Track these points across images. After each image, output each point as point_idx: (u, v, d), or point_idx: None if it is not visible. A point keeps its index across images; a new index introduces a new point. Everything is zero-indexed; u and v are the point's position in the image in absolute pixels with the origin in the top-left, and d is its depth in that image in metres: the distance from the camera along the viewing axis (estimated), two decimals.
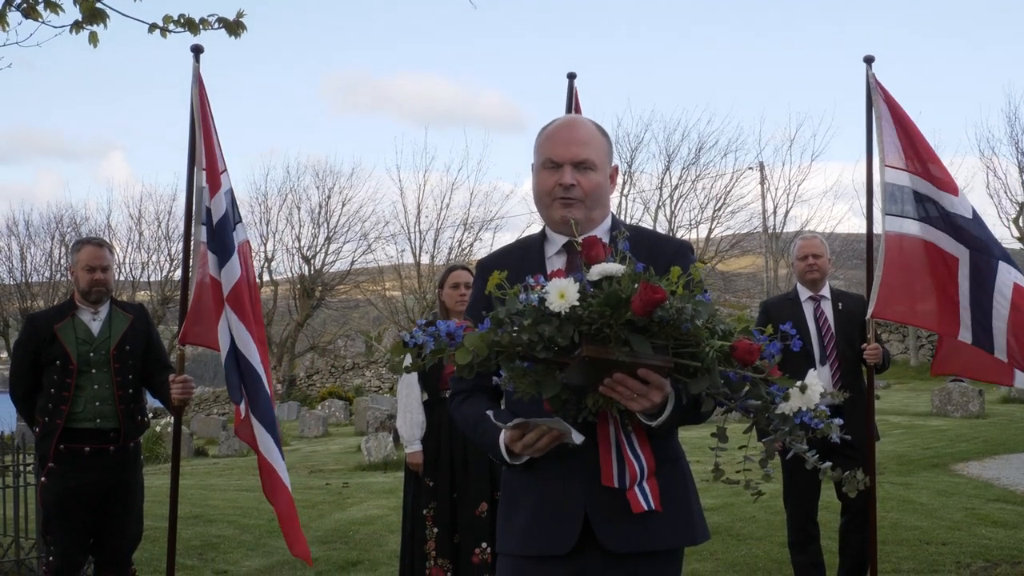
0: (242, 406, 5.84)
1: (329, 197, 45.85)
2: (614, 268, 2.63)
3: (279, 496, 5.91)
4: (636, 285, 2.56)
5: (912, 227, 6.35)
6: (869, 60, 6.62)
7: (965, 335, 6.19)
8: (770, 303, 7.50)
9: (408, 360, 2.78)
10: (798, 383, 2.68)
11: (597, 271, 2.63)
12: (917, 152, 6.44)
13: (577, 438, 2.79)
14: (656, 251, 3.09)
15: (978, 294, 6.17)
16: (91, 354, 5.95)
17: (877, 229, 6.54)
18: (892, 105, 6.53)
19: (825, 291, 7.06)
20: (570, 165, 3.11)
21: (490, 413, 3.03)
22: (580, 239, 2.87)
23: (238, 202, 6.19)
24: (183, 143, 6.07)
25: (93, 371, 5.94)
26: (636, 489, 2.91)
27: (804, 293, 7.07)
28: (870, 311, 6.38)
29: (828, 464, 2.73)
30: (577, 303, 2.55)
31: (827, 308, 6.99)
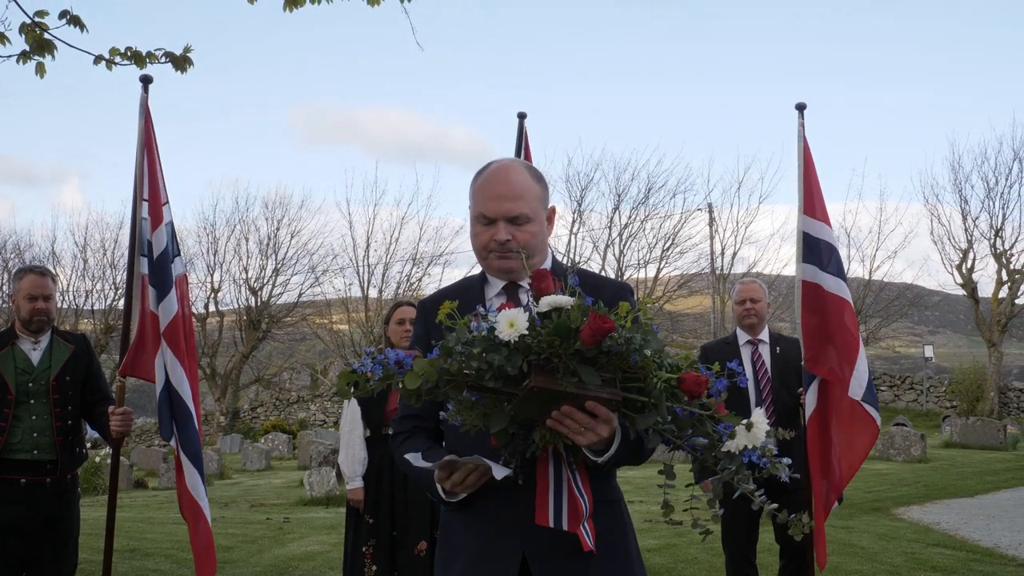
0: (172, 442, 5.83)
1: (278, 229, 45.73)
2: (564, 300, 2.62)
3: (200, 530, 5.87)
4: (584, 317, 2.57)
5: (825, 278, 6.42)
6: (801, 108, 6.66)
7: (856, 391, 6.27)
8: (708, 347, 7.54)
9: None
10: (744, 421, 2.69)
11: (547, 302, 2.63)
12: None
13: (499, 472, 2.78)
14: (597, 292, 3.08)
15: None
16: (30, 384, 5.87)
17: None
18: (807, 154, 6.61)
19: (764, 335, 7.11)
20: (504, 220, 3.09)
21: (414, 456, 3.02)
22: (529, 274, 2.87)
23: (186, 232, 6.19)
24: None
25: (32, 401, 5.85)
26: (581, 528, 2.90)
27: (743, 337, 7.13)
28: (804, 357, 6.43)
29: (775, 505, 2.74)
30: (526, 332, 2.56)
31: (765, 352, 7.05)
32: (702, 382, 2.66)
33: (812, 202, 6.52)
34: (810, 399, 6.35)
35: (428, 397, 2.69)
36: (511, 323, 2.56)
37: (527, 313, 2.59)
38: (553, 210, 3.29)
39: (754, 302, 7.10)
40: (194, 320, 6.13)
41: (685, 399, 2.68)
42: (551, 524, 2.90)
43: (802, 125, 6.60)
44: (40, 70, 6.93)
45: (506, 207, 3.09)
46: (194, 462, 5.83)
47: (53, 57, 6.92)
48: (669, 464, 2.83)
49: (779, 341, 7.14)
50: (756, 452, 2.68)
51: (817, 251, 6.44)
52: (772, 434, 2.76)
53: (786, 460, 2.73)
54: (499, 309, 2.64)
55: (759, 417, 2.71)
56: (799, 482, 6.46)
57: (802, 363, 6.48)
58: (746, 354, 7.04)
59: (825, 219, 6.52)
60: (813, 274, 6.43)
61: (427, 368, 2.62)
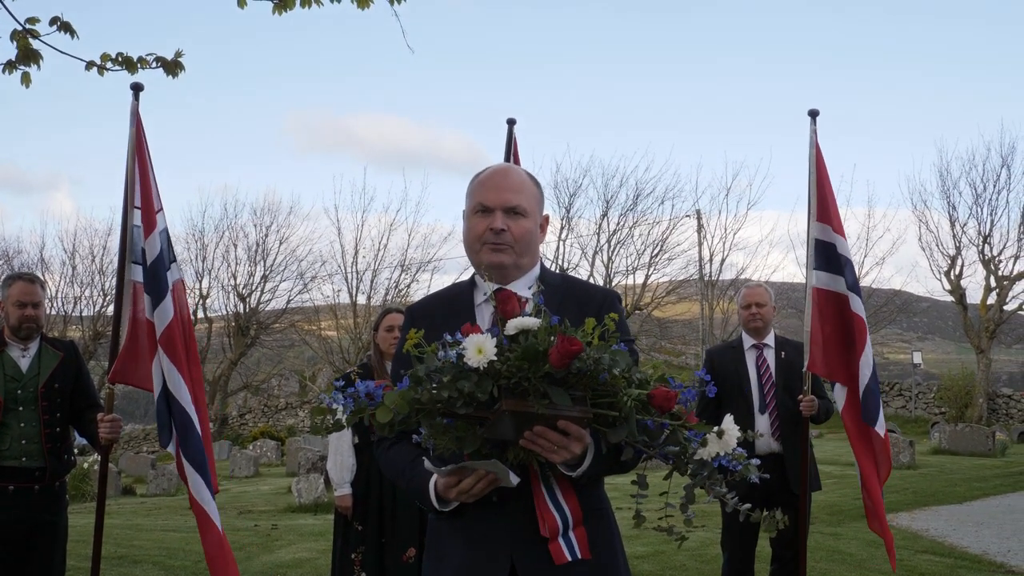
0: (171, 448, 5.76)
1: (267, 235, 45.65)
2: (530, 322, 2.65)
3: (209, 537, 5.80)
4: (552, 338, 2.58)
5: (854, 299, 6.44)
6: (814, 114, 6.67)
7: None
8: (714, 351, 7.53)
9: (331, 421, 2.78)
10: (715, 428, 2.71)
11: (513, 325, 2.65)
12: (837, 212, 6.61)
13: (513, 479, 2.80)
14: (585, 300, 3.13)
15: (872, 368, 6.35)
16: (19, 391, 5.86)
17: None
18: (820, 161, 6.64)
19: (769, 339, 7.09)
20: (501, 210, 3.13)
21: (424, 460, 3.02)
22: (495, 288, 2.90)
23: (175, 238, 6.14)
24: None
25: (20, 409, 5.84)
26: (560, 540, 2.91)
27: (748, 341, 7.10)
28: (805, 363, 6.44)
29: (747, 506, 2.75)
30: (495, 358, 2.57)
31: (770, 356, 7.02)
32: (671, 397, 2.69)
33: (828, 210, 6.54)
34: (840, 404, 6.42)
35: (400, 427, 2.70)
36: (479, 349, 2.58)
37: (494, 339, 2.61)
38: (546, 218, 3.34)
39: (760, 306, 7.08)
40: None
41: (655, 412, 2.69)
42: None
43: (814, 131, 6.62)
44: (26, 80, 6.92)
45: (505, 196, 3.15)
46: (198, 470, 5.74)
47: (39, 67, 6.91)
48: (642, 474, 2.85)
49: (784, 346, 7.12)
50: (726, 457, 2.70)
51: (845, 267, 6.47)
52: (753, 437, 2.78)
53: (755, 461, 2.76)
54: (464, 333, 2.67)
55: (729, 424, 2.73)
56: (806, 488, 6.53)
57: (804, 370, 6.51)
58: (751, 358, 7.03)
59: (841, 231, 6.54)
60: (832, 283, 6.45)
61: (398, 401, 2.63)
